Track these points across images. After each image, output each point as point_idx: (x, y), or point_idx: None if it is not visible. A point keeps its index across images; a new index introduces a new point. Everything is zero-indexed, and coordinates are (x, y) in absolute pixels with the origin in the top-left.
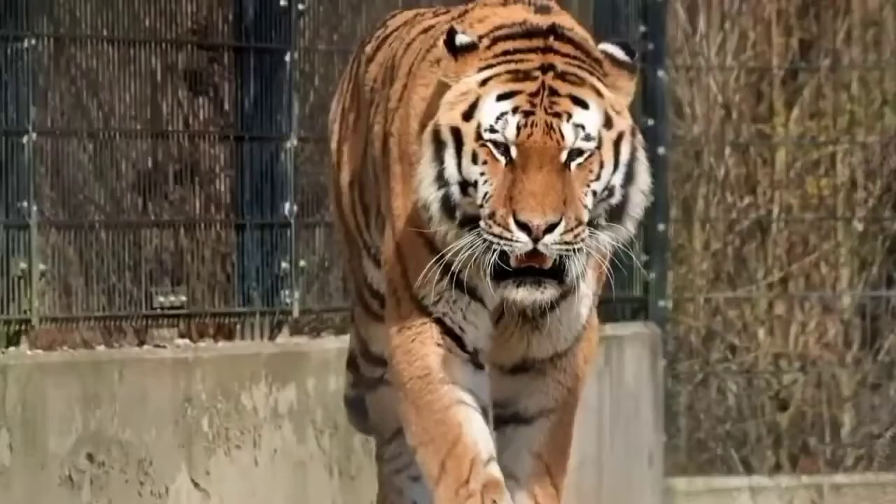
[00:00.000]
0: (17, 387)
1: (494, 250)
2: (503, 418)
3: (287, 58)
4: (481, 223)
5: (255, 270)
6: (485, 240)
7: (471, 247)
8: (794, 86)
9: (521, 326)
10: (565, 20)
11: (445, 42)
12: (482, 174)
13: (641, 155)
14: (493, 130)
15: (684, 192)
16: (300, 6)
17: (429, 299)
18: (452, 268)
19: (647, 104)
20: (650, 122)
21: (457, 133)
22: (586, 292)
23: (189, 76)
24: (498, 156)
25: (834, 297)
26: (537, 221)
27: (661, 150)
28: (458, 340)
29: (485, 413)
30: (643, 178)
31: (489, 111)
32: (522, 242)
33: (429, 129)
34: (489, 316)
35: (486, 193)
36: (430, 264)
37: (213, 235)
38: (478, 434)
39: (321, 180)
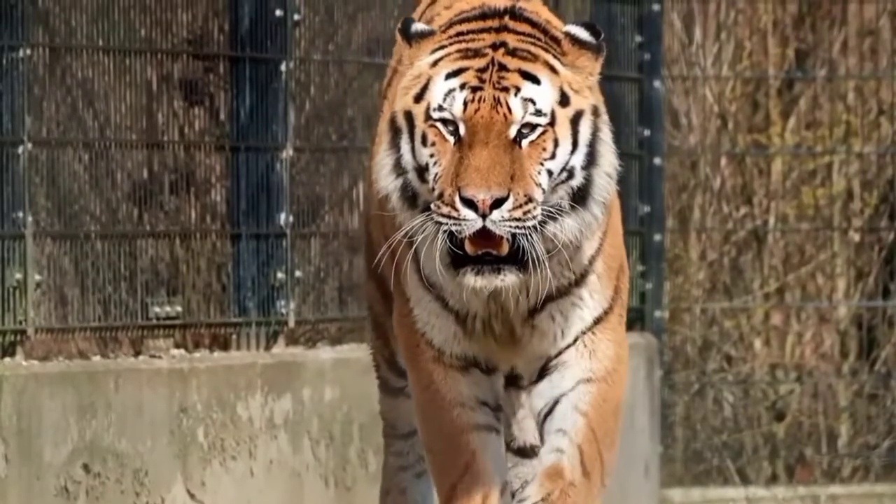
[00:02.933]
0: (12, 397)
1: (445, 231)
2: (545, 414)
3: (282, 67)
4: (432, 205)
5: (250, 281)
6: (435, 222)
7: (422, 229)
8: (790, 96)
9: (522, 325)
10: (531, 4)
11: (399, 30)
12: (432, 155)
13: (606, 136)
14: (441, 109)
15: (680, 202)
16: (295, 16)
17: (413, 302)
18: (411, 260)
19: (644, 114)
20: (646, 132)
21: (409, 117)
22: (585, 298)
23: (184, 86)
24: (447, 135)
25: (830, 308)
26: (482, 196)
27: (657, 161)
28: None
29: (496, 412)
30: (608, 160)
31: (438, 90)
32: (470, 220)
33: (387, 117)
34: (454, 322)
35: (436, 175)
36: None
37: (208, 246)
38: (491, 462)
39: (317, 190)
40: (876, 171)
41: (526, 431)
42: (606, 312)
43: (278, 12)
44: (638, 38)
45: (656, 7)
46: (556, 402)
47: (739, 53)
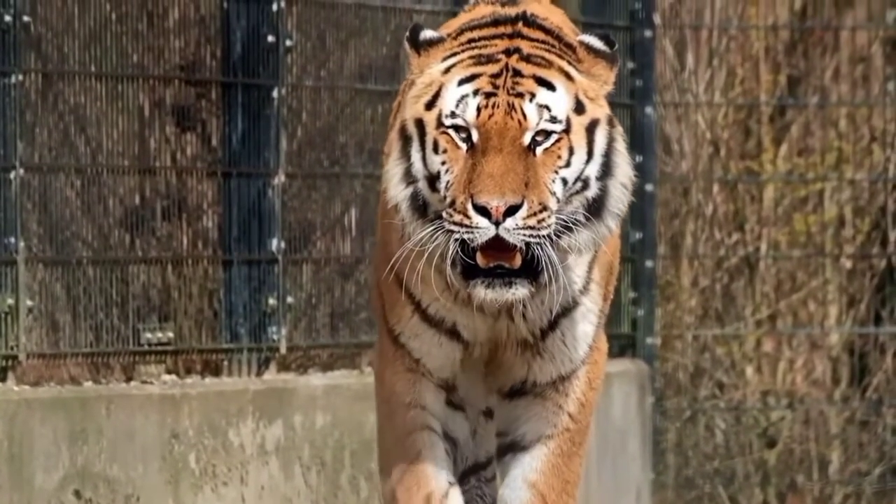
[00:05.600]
0: (3, 422)
1: (456, 240)
2: (502, 448)
3: (274, 93)
4: (443, 213)
5: (242, 307)
6: (447, 230)
7: (432, 238)
8: (782, 122)
9: (521, 352)
10: (537, 9)
11: (408, 38)
12: (443, 163)
13: (621, 146)
14: (453, 115)
15: (672, 228)
16: (287, 42)
17: (404, 336)
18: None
19: (636, 140)
20: (638, 158)
21: (420, 124)
22: (591, 307)
23: (177, 112)
24: (459, 142)
25: (822, 334)
26: (495, 203)
27: (649, 187)
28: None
29: (454, 443)
30: (623, 171)
31: (450, 97)
32: (483, 228)
33: (396, 126)
34: (460, 349)
35: (447, 182)
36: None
37: (200, 272)
38: (437, 463)
39: (309, 216)
40: (868, 198)
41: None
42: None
43: (270, 38)
44: (630, 65)
45: (648, 33)
46: (509, 449)
47: (731, 80)
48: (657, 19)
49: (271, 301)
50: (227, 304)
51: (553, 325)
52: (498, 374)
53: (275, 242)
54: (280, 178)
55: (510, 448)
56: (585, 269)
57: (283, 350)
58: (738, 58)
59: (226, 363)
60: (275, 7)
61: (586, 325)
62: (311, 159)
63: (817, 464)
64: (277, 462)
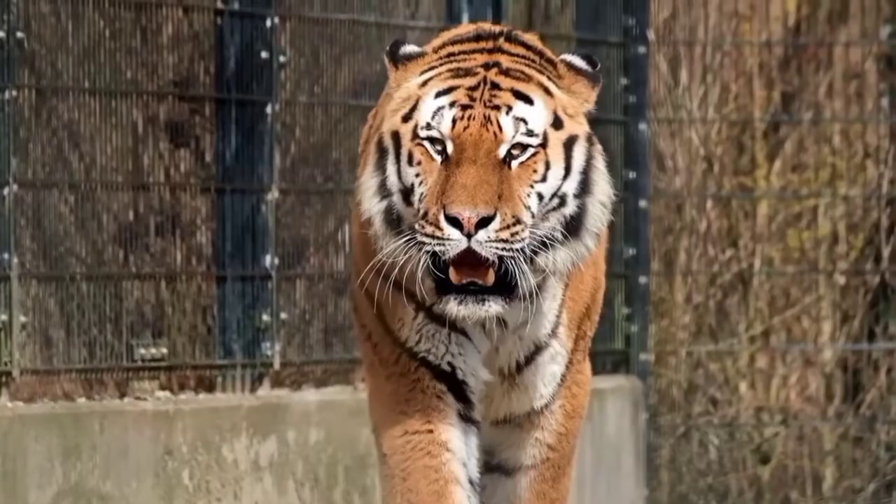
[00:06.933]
0: None
1: (427, 252)
2: (490, 466)
3: (268, 109)
4: (416, 225)
5: (235, 323)
6: (418, 242)
7: (404, 251)
8: (775, 138)
9: (501, 382)
10: (523, 33)
11: (387, 52)
12: (417, 175)
13: (600, 164)
14: (429, 127)
15: (666, 244)
16: (281, 58)
17: (412, 339)
18: (394, 275)
19: (629, 157)
20: (632, 174)
21: (396, 137)
22: (559, 350)
23: (170, 128)
24: (434, 154)
25: (815, 351)
26: (467, 214)
27: (642, 203)
28: (449, 380)
29: (471, 482)
30: (602, 189)
31: (427, 108)
32: (455, 240)
33: (374, 140)
34: (475, 349)
35: (421, 194)
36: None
37: (193, 287)
38: None
39: (302, 232)
40: (861, 215)
41: None
42: (570, 363)
43: (264, 54)
44: (624, 81)
45: (642, 50)
46: (496, 468)
47: (725, 96)
48: (651, 35)
49: (265, 317)
50: (220, 320)
51: (528, 360)
52: (489, 405)
53: (268, 258)
54: (274, 194)
55: (496, 469)
56: (555, 315)
57: (276, 366)
58: (732, 74)
59: (219, 379)
60: (268, 23)
61: (554, 366)
62: (305, 175)
63: (811, 480)
64: (271, 478)
